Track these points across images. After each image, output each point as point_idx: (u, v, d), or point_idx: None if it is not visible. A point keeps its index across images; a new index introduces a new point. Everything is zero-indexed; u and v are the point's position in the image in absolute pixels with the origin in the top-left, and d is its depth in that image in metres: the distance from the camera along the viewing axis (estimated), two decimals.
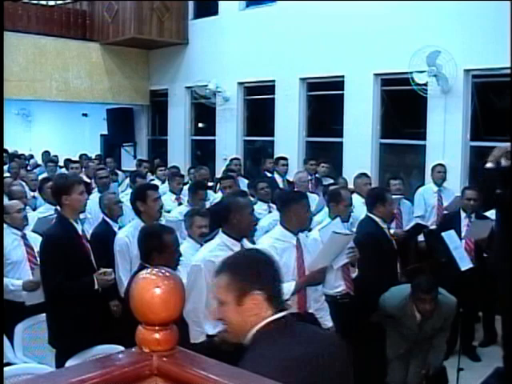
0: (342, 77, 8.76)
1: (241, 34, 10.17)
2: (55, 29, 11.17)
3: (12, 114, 14.65)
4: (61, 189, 3.82)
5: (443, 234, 5.12)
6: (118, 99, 11.82)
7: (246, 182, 7.67)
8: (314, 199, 6.20)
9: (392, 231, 5.45)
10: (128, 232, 4.29)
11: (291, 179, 7.66)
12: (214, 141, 10.92)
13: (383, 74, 8.43)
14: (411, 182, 8.40)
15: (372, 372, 4.12)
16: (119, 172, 9.89)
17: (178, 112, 11.53)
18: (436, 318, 3.92)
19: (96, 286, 3.70)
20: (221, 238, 3.62)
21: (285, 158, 8.34)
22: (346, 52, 8.59)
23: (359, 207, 5.90)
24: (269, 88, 9.84)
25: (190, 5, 11.27)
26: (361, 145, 8.57)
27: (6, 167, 8.79)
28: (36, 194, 6.77)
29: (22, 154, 11.69)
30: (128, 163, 11.76)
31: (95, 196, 6.21)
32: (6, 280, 4.42)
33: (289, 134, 9.56)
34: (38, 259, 4.16)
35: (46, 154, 11.79)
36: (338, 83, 8.86)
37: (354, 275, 4.54)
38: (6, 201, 5.50)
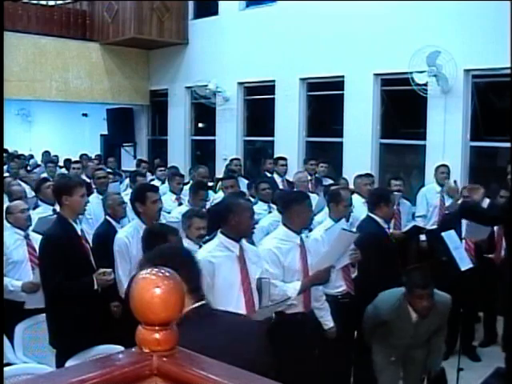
0: (342, 77, 8.76)
1: (241, 34, 10.17)
2: (55, 29, 11.18)
3: (12, 114, 14.65)
4: (62, 189, 3.83)
5: (443, 234, 5.11)
6: (118, 99, 11.82)
7: (246, 182, 7.67)
8: (314, 199, 6.20)
9: (389, 232, 5.46)
10: (127, 232, 4.28)
11: (291, 179, 7.67)
12: (214, 141, 10.92)
13: (383, 74, 8.43)
14: (411, 182, 8.40)
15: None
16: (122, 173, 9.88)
17: (178, 112, 11.53)
18: (432, 318, 3.75)
19: (95, 287, 3.70)
20: (219, 238, 3.62)
21: (284, 159, 8.34)
22: (346, 52, 8.59)
23: (359, 207, 5.91)
24: (269, 88, 9.84)
25: (190, 5, 11.27)
26: (361, 145, 8.57)
27: (5, 167, 8.78)
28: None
29: (22, 154, 11.68)
30: (128, 163, 11.76)
31: (95, 196, 6.21)
32: (5, 280, 4.42)
33: (289, 134, 9.57)
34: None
35: (46, 154, 11.79)
36: (338, 83, 8.86)
37: (353, 275, 4.55)
38: (6, 201, 5.52)
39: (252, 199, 5.81)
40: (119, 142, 12.56)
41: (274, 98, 9.79)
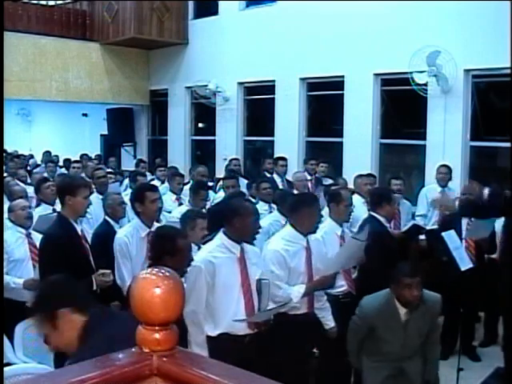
0: (342, 77, 8.76)
1: (241, 34, 10.17)
2: (55, 29, 11.18)
3: (12, 114, 14.65)
4: (66, 188, 3.83)
5: (443, 233, 5.11)
6: (117, 99, 11.82)
7: (246, 182, 7.66)
8: None
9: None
10: (127, 232, 4.27)
11: (291, 179, 7.67)
12: (214, 141, 10.92)
13: (383, 74, 8.43)
14: (411, 182, 8.40)
15: None
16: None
17: (177, 112, 11.53)
18: (422, 318, 3.57)
19: (94, 287, 3.69)
20: (221, 238, 3.61)
21: (284, 159, 8.34)
22: (346, 52, 8.59)
23: (359, 207, 5.91)
24: (269, 88, 9.84)
25: (190, 5, 11.27)
26: (361, 145, 8.57)
27: (4, 167, 8.77)
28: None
29: (22, 154, 11.67)
30: (128, 163, 11.75)
31: (95, 196, 6.20)
32: (7, 278, 4.45)
33: (289, 134, 9.56)
34: None
35: (46, 154, 11.78)
36: (338, 83, 8.86)
37: (354, 276, 4.56)
38: (6, 201, 5.53)
39: (252, 199, 5.80)
40: (119, 142, 12.55)
41: (274, 98, 9.78)
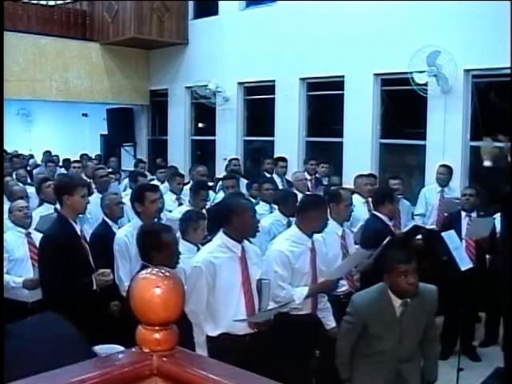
0: (342, 77, 8.76)
1: (241, 34, 10.17)
2: (55, 29, 11.18)
3: (12, 114, 14.65)
4: (64, 188, 3.84)
5: (443, 233, 5.13)
6: (117, 99, 11.82)
7: (246, 182, 7.66)
8: None
9: None
10: (127, 231, 4.28)
11: (290, 179, 7.67)
12: (214, 141, 10.92)
13: (383, 74, 8.43)
14: (411, 182, 8.40)
15: None
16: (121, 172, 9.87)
17: (178, 112, 11.53)
18: (418, 312, 3.28)
19: (94, 287, 3.70)
20: (221, 238, 3.61)
21: (284, 160, 8.34)
22: (346, 52, 8.59)
23: (359, 207, 5.92)
24: (269, 88, 9.84)
25: (190, 5, 11.27)
26: (361, 145, 8.57)
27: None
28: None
29: (21, 154, 11.66)
30: (128, 163, 11.75)
31: (95, 197, 6.20)
32: (7, 277, 4.46)
33: (289, 134, 9.56)
34: None
35: (46, 154, 11.78)
36: (338, 83, 8.86)
37: (355, 277, 4.57)
38: (6, 201, 5.55)
39: (252, 199, 5.80)
40: (119, 142, 12.56)
41: (274, 98, 9.78)
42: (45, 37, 10.89)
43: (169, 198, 6.61)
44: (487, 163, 4.43)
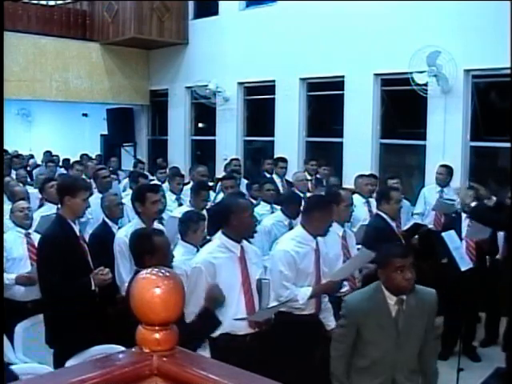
0: (342, 77, 8.76)
1: (241, 34, 10.17)
2: (55, 29, 11.18)
3: (12, 113, 14.64)
4: (67, 189, 3.85)
5: (443, 234, 5.13)
6: (117, 99, 11.82)
7: (246, 182, 7.66)
8: None
9: None
10: (127, 232, 4.26)
11: (290, 180, 7.67)
12: (213, 141, 10.91)
13: (383, 74, 8.43)
14: (411, 182, 8.40)
15: None
16: (120, 172, 9.87)
17: (177, 112, 11.53)
18: (414, 310, 3.06)
19: (93, 287, 3.69)
20: (220, 239, 3.61)
21: (284, 160, 8.33)
22: (346, 52, 8.59)
23: (360, 207, 5.92)
24: (269, 88, 9.84)
25: (190, 5, 11.27)
26: (361, 145, 8.57)
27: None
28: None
29: (20, 155, 11.65)
30: (128, 163, 11.75)
31: (96, 197, 6.20)
32: None
33: (289, 134, 9.56)
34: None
35: (47, 154, 11.78)
36: (338, 83, 8.86)
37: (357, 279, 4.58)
38: (6, 202, 5.56)
39: (253, 200, 5.80)
40: (119, 141, 12.56)
41: (274, 98, 9.78)
42: (45, 37, 10.89)
43: (168, 199, 6.61)
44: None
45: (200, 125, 11.73)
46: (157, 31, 10.99)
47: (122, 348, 2.05)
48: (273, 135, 9.89)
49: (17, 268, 4.62)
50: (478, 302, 5.67)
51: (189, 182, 7.53)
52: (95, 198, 5.78)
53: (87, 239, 4.30)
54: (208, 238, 4.39)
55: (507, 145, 6.72)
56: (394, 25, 8.04)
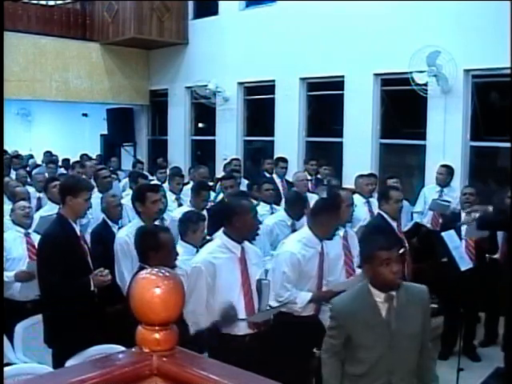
0: (342, 77, 8.76)
1: (241, 34, 10.17)
2: (55, 29, 11.18)
3: (12, 113, 14.64)
4: (69, 189, 3.85)
5: (443, 233, 5.13)
6: (117, 99, 11.82)
7: (246, 182, 7.66)
8: (314, 199, 6.18)
9: None
10: (128, 231, 4.27)
11: (290, 180, 7.67)
12: (214, 141, 10.91)
13: (383, 74, 8.43)
14: (411, 181, 8.40)
15: None
16: (119, 172, 9.87)
17: (178, 112, 11.53)
18: (406, 307, 2.80)
19: (92, 287, 3.69)
20: (221, 239, 3.61)
21: (284, 160, 8.33)
22: (346, 52, 8.58)
23: (360, 207, 5.92)
24: (269, 88, 9.83)
25: (190, 5, 11.27)
26: (361, 145, 8.56)
27: None
28: (41, 194, 6.76)
29: (20, 155, 11.65)
30: (128, 163, 11.75)
31: (96, 197, 6.19)
32: None
33: (289, 134, 9.56)
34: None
35: (47, 154, 11.77)
36: (338, 83, 8.86)
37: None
38: (7, 202, 5.56)
39: (254, 200, 5.79)
40: (119, 141, 12.56)
41: (274, 98, 9.78)
42: (45, 37, 10.88)
43: (168, 199, 6.60)
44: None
45: (200, 125, 11.73)
46: (157, 31, 10.99)
47: (122, 348, 2.05)
48: (273, 135, 9.88)
49: (16, 267, 4.61)
50: (477, 301, 5.67)
51: (188, 182, 7.53)
52: (95, 198, 5.78)
53: (88, 239, 4.30)
54: (208, 237, 4.40)
55: (507, 145, 6.73)
56: (393, 25, 8.04)
